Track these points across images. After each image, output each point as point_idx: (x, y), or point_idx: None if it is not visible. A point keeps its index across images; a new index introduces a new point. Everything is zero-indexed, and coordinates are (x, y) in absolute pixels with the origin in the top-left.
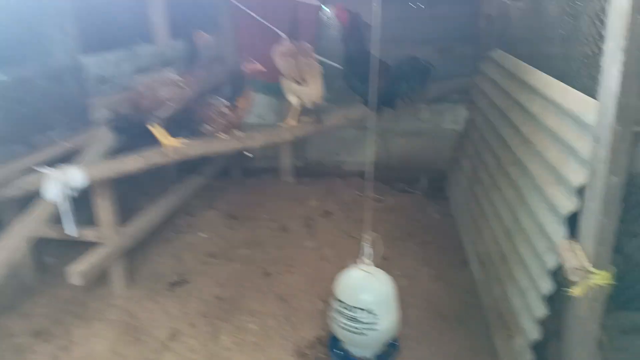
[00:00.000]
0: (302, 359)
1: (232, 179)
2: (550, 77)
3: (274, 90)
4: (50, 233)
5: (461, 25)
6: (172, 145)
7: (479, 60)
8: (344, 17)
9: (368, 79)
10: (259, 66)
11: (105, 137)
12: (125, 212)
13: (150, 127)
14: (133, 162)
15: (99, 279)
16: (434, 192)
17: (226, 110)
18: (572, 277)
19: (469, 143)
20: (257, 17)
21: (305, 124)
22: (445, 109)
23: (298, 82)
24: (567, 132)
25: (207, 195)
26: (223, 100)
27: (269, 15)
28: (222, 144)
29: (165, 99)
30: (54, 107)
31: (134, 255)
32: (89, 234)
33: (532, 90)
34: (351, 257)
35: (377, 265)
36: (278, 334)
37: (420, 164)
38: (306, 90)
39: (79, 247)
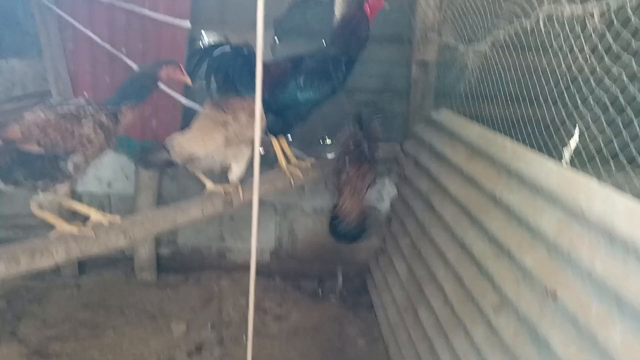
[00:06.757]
0: None
1: (60, 275)
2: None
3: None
4: None
5: (389, 73)
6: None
7: (412, 122)
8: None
9: None
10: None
11: None
12: None
13: None
14: None
15: None
16: (354, 296)
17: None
18: None
19: (400, 231)
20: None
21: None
22: None
23: None
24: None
25: (13, 304)
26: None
27: (118, 38)
28: None
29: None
30: None
31: None
32: None
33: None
34: None
35: None
36: None
37: (335, 254)
38: None
39: None
